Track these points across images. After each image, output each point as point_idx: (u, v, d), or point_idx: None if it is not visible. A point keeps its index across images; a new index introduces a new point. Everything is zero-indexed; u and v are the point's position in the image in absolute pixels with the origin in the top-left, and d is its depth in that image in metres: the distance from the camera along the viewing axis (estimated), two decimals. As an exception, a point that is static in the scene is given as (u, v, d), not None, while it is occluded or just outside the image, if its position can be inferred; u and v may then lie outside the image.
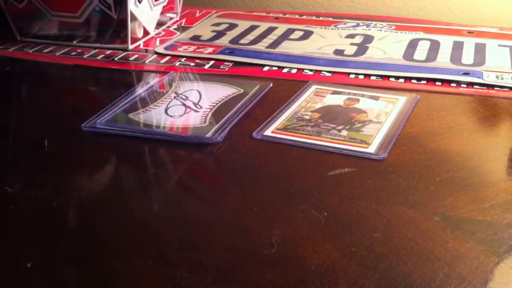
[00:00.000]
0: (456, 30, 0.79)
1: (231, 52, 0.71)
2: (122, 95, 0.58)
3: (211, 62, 0.68)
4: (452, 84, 0.62)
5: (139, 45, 0.75)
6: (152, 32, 0.78)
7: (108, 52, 0.72)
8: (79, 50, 0.73)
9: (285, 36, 0.77)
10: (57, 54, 0.72)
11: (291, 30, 0.79)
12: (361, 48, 0.72)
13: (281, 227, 0.39)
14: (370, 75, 0.64)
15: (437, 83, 0.62)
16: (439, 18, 0.88)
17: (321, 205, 0.41)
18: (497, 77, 0.62)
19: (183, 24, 0.84)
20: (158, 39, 0.77)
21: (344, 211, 0.40)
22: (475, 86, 0.61)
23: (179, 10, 0.86)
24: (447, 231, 0.38)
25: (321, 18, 0.86)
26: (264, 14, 0.89)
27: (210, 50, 0.72)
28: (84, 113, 0.54)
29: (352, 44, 0.74)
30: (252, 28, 0.80)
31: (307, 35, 0.77)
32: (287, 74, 0.65)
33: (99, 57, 0.70)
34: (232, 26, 0.81)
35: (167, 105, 0.56)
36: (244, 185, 0.45)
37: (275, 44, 0.74)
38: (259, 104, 0.57)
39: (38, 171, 0.47)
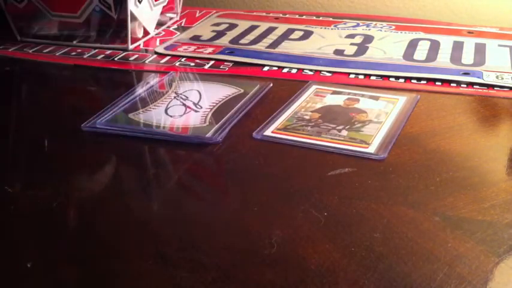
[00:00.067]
0: (456, 30, 0.79)
1: (231, 52, 0.71)
2: (122, 95, 0.58)
3: (211, 62, 0.68)
4: (452, 84, 0.62)
5: (139, 45, 0.75)
6: (152, 32, 0.78)
7: (108, 52, 0.72)
8: (79, 50, 0.73)
9: (285, 36, 0.77)
10: (57, 54, 0.72)
11: (291, 30, 0.79)
12: (361, 48, 0.72)
13: (281, 227, 0.39)
14: (370, 75, 0.64)
15: (437, 83, 0.62)
16: (439, 18, 0.88)
17: (321, 205, 0.41)
18: (497, 77, 0.62)
19: (183, 24, 0.84)
20: (158, 39, 0.77)
21: (344, 211, 0.40)
22: (475, 86, 0.61)
23: (179, 10, 0.86)
24: (447, 231, 0.38)
25: (321, 18, 0.86)
26: (264, 14, 0.89)
27: (210, 50, 0.72)
28: (84, 113, 0.54)
29: (352, 44, 0.74)
30: (252, 28, 0.80)
31: (307, 35, 0.77)
32: (287, 74, 0.65)
33: (99, 57, 0.70)
34: (232, 26, 0.81)
35: (167, 105, 0.56)
36: (244, 185, 0.45)
37: (275, 44, 0.74)
38: (259, 104, 0.57)
39: (38, 171, 0.47)
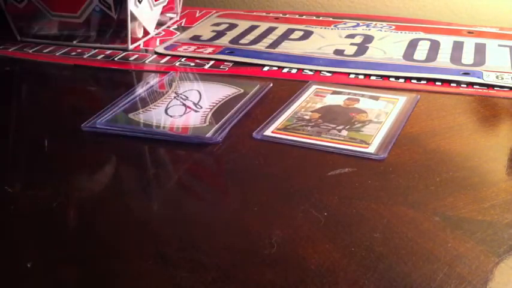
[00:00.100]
0: (456, 30, 0.79)
1: (231, 52, 0.71)
2: (122, 95, 0.58)
3: (211, 62, 0.68)
4: (452, 84, 0.62)
5: (139, 45, 0.75)
6: (152, 32, 0.78)
7: (108, 52, 0.72)
8: (79, 50, 0.73)
9: (285, 36, 0.77)
10: (57, 54, 0.72)
11: (291, 30, 0.79)
12: (361, 48, 0.72)
13: (281, 227, 0.39)
14: (370, 75, 0.64)
15: (437, 83, 0.62)
16: (439, 18, 0.88)
17: (321, 205, 0.41)
18: (497, 77, 0.62)
19: (183, 24, 0.84)
20: (158, 39, 0.77)
21: (344, 211, 0.40)
22: (475, 86, 0.61)
23: (179, 10, 0.86)
24: (447, 231, 0.38)
25: (321, 18, 0.86)
26: (264, 14, 0.89)
27: (210, 50, 0.72)
28: (84, 113, 0.54)
29: (352, 44, 0.74)
30: (252, 28, 0.80)
31: (307, 35, 0.77)
32: (287, 74, 0.65)
33: (99, 57, 0.70)
34: (232, 26, 0.81)
35: (167, 105, 0.56)
36: (244, 185, 0.45)
37: (275, 44, 0.74)
38: (259, 104, 0.57)
39: (38, 171, 0.47)
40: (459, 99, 0.59)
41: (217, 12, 0.89)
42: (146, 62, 0.69)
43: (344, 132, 0.50)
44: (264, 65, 0.67)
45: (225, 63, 0.68)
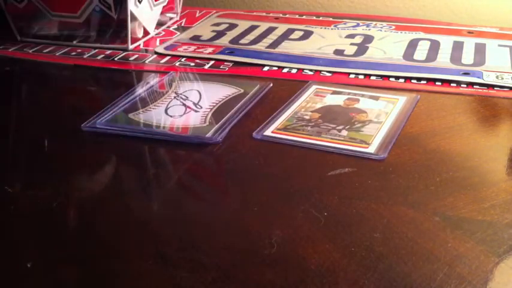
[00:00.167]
0: (456, 30, 0.79)
1: (231, 52, 0.71)
2: (122, 95, 0.58)
3: (211, 62, 0.68)
4: (452, 84, 0.62)
5: (139, 45, 0.75)
6: (152, 32, 0.78)
7: (108, 52, 0.72)
8: (79, 50, 0.73)
9: (285, 36, 0.77)
10: (57, 54, 0.72)
11: (291, 30, 0.79)
12: (361, 48, 0.72)
13: (281, 227, 0.39)
14: (370, 75, 0.64)
15: (437, 83, 0.62)
16: (439, 18, 0.88)
17: (321, 205, 0.41)
18: (497, 77, 0.62)
19: (183, 24, 0.84)
20: (158, 39, 0.77)
21: (344, 211, 0.40)
22: (475, 86, 0.61)
23: (179, 10, 0.86)
24: (447, 231, 0.38)
25: (321, 18, 0.86)
26: (264, 14, 0.89)
27: (210, 50, 0.72)
28: (84, 113, 0.54)
29: (352, 44, 0.74)
30: (252, 28, 0.80)
31: (307, 35, 0.77)
32: (287, 74, 0.65)
33: (99, 57, 0.70)
34: (232, 26, 0.81)
35: (167, 105, 0.56)
36: (244, 185, 0.45)
37: (275, 44, 0.74)
38: (259, 104, 0.57)
39: (38, 171, 0.47)
40: (459, 99, 0.59)
41: (217, 12, 0.89)
42: (146, 62, 0.69)
43: (344, 132, 0.50)
44: (264, 65, 0.67)
45: (225, 63, 0.68)
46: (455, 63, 0.67)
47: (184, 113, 0.54)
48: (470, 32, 0.78)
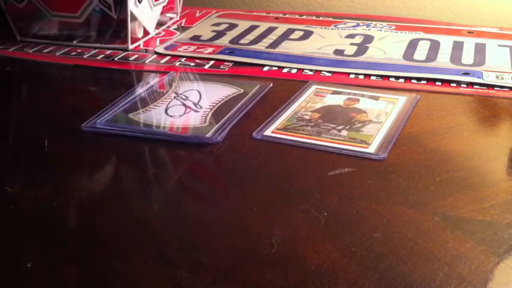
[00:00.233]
0: (456, 30, 0.79)
1: (231, 52, 0.71)
2: (122, 95, 0.58)
3: (211, 62, 0.68)
4: (452, 84, 0.62)
5: (139, 45, 0.75)
6: (152, 32, 0.78)
7: (108, 52, 0.72)
8: (79, 50, 0.73)
9: (285, 36, 0.77)
10: (57, 54, 0.72)
11: (291, 30, 0.79)
12: (361, 48, 0.72)
13: (281, 227, 0.39)
14: (370, 75, 0.64)
15: (437, 83, 0.62)
16: (439, 18, 0.88)
17: (321, 205, 0.41)
18: (497, 77, 0.62)
19: (183, 24, 0.84)
20: (158, 39, 0.77)
21: (344, 211, 0.40)
22: (475, 86, 0.61)
23: (179, 10, 0.86)
24: (447, 231, 0.38)
25: (321, 18, 0.86)
26: (264, 14, 0.89)
27: (210, 50, 0.72)
28: (84, 113, 0.54)
29: (352, 44, 0.74)
30: (252, 28, 0.80)
31: (307, 35, 0.77)
32: (287, 74, 0.65)
33: (99, 57, 0.70)
34: (232, 26, 0.81)
35: (167, 105, 0.56)
36: (244, 185, 0.45)
37: (275, 44, 0.74)
38: (259, 104, 0.57)
39: (38, 171, 0.47)
40: (459, 99, 0.59)
41: (217, 12, 0.89)
42: (146, 62, 0.69)
43: (344, 132, 0.50)
44: (264, 65, 0.67)
45: (225, 63, 0.68)
46: (455, 63, 0.67)
47: (184, 113, 0.54)
48: (470, 32, 0.78)
